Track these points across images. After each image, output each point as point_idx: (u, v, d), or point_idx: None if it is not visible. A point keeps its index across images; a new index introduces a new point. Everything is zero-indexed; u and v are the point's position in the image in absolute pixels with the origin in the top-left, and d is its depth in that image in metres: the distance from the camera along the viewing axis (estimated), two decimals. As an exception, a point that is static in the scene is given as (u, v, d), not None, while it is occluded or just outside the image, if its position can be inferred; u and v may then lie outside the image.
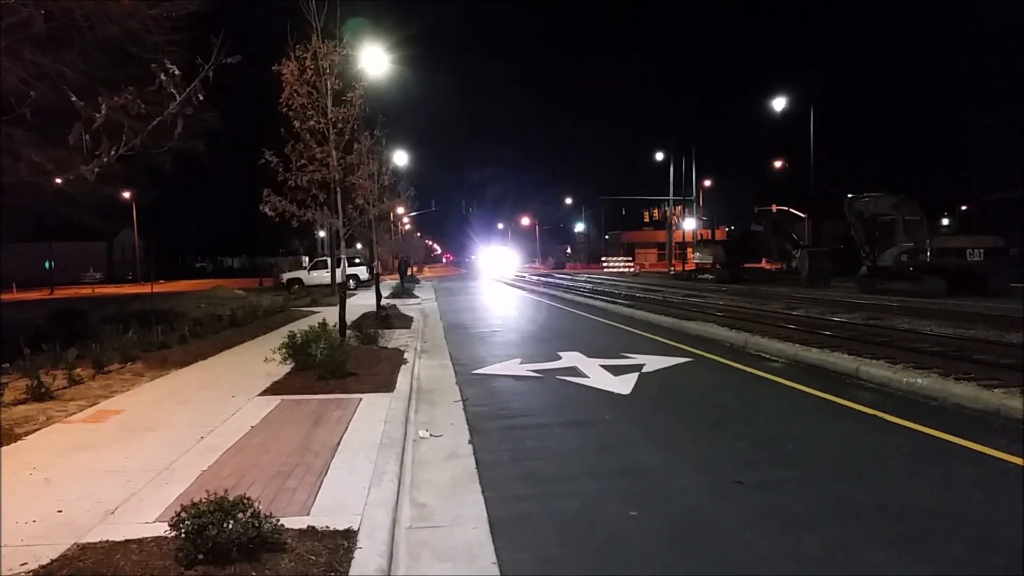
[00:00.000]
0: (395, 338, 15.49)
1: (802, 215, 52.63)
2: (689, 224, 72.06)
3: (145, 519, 4.88)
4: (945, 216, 55.09)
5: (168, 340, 14.42)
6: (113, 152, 3.31)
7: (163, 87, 3.32)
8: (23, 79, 10.13)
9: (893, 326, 17.16)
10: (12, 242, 48.94)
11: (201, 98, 3.50)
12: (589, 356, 13.02)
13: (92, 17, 11.34)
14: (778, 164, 62.50)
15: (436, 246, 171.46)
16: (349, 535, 4.55)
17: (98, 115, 3.13)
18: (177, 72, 3.34)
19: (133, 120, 3.36)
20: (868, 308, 22.39)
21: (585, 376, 11.09)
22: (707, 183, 73.45)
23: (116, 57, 12.57)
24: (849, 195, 31.98)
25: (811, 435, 7.59)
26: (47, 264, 55.92)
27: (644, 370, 11.46)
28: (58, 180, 11.86)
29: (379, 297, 21.16)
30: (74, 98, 3.16)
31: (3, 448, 6.81)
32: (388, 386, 9.70)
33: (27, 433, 7.45)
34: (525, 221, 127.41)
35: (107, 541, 4.48)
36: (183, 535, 4.05)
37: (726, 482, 6.02)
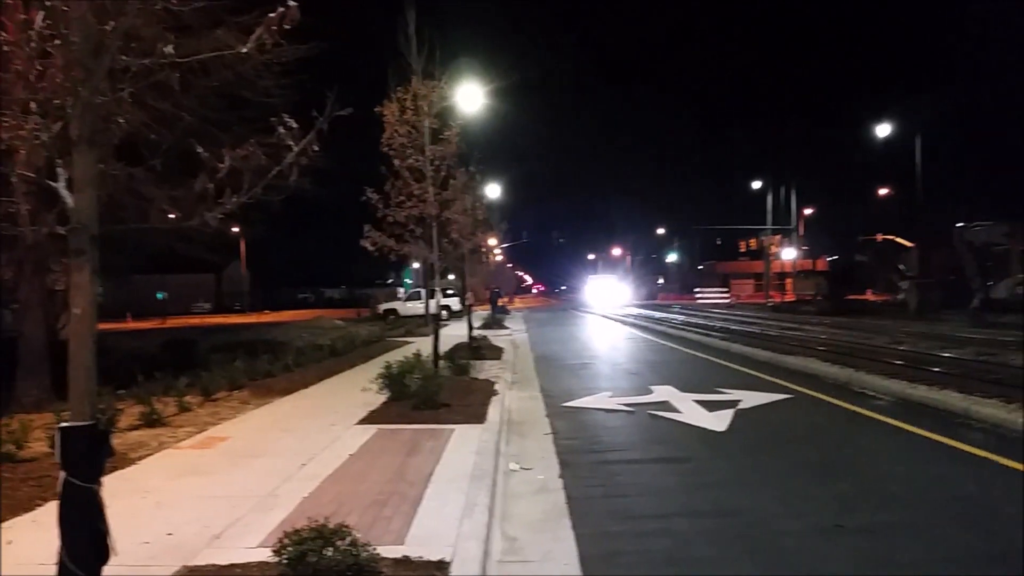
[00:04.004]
0: (486, 369, 15.65)
1: (909, 244, 50.39)
2: (788, 254, 69.99)
3: (249, 544, 5.08)
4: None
5: (273, 369, 15.00)
6: (235, 199, 3.56)
7: (281, 140, 3.57)
8: (145, 123, 10.89)
9: (1007, 362, 16.15)
10: (129, 275, 51.96)
11: (316, 148, 3.73)
12: (682, 391, 12.80)
13: (208, 64, 12.10)
14: (883, 191, 60.15)
15: (527, 276, 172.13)
16: (442, 566, 4.63)
17: (221, 165, 3.40)
18: (295, 125, 3.59)
19: (252, 169, 3.62)
20: (980, 343, 21.16)
21: (678, 411, 10.91)
22: (808, 211, 71.33)
23: (228, 100, 13.35)
24: (959, 224, 30.52)
25: (917, 477, 7.24)
26: (159, 295, 59.17)
27: (740, 406, 11.18)
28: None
29: (471, 328, 21.43)
30: (200, 149, 3.44)
31: (118, 472, 7.17)
32: (479, 417, 9.81)
33: (140, 458, 7.88)
34: (617, 251, 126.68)
35: (214, 565, 4.67)
36: (285, 561, 4.18)
37: (826, 525, 5.82)
